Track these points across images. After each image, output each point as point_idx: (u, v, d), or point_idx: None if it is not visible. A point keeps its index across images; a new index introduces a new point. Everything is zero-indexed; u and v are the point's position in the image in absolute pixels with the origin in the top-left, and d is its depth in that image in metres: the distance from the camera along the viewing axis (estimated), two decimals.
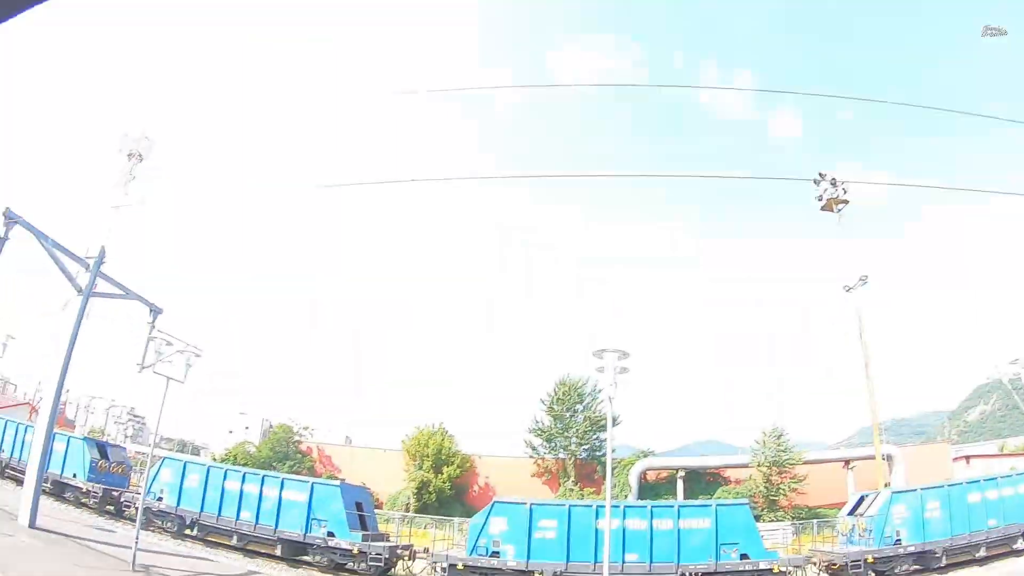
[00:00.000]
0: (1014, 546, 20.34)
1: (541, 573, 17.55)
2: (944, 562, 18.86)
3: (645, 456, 43.75)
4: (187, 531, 20.67)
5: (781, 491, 36.40)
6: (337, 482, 21.26)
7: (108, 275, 18.97)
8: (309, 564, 18.86)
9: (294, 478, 21.99)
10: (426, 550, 20.02)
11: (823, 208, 30.14)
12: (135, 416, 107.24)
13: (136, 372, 17.21)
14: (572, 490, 40.46)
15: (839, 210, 30.13)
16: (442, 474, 40.70)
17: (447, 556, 18.19)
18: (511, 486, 41.05)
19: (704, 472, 43.47)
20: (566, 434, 42.53)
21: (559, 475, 43.40)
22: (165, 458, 23.58)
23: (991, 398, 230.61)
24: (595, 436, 43.60)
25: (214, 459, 46.31)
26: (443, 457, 41.76)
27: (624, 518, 17.48)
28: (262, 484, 20.23)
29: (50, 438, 16.60)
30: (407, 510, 36.26)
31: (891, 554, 18.47)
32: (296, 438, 49.58)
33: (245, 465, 36.21)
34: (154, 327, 19.34)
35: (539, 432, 43.71)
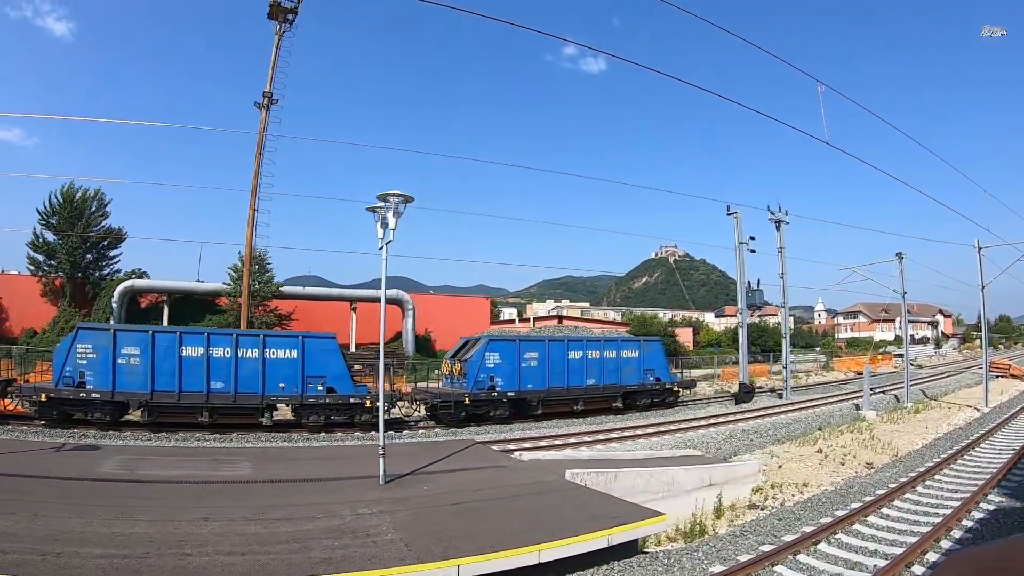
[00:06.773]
0: (614, 404, 22.65)
1: (128, 402, 17.67)
2: (540, 411, 19.98)
3: (139, 276, 40.55)
4: None
5: (263, 321, 35.92)
6: None
7: None
8: None
9: None
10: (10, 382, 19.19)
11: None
12: None
13: None
14: (66, 311, 38.95)
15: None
16: None
17: (34, 388, 17.75)
18: (22, 309, 39.25)
19: (197, 298, 41.57)
20: (65, 251, 40.20)
21: (60, 296, 41.23)
22: None
23: (656, 272, 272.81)
24: (89, 256, 41.49)
25: None
26: None
27: (209, 346, 17.49)
28: None
29: None
30: None
31: (485, 398, 19.46)
32: None
33: None
34: None
35: (39, 247, 40.80)
